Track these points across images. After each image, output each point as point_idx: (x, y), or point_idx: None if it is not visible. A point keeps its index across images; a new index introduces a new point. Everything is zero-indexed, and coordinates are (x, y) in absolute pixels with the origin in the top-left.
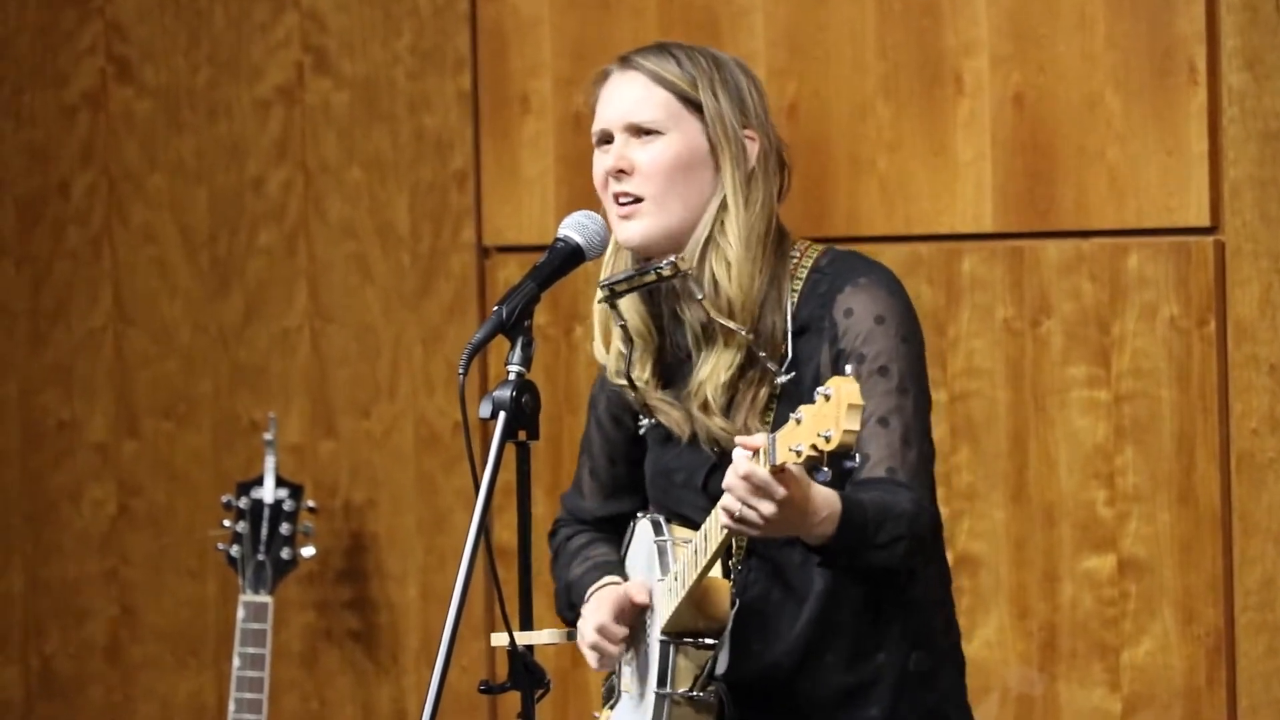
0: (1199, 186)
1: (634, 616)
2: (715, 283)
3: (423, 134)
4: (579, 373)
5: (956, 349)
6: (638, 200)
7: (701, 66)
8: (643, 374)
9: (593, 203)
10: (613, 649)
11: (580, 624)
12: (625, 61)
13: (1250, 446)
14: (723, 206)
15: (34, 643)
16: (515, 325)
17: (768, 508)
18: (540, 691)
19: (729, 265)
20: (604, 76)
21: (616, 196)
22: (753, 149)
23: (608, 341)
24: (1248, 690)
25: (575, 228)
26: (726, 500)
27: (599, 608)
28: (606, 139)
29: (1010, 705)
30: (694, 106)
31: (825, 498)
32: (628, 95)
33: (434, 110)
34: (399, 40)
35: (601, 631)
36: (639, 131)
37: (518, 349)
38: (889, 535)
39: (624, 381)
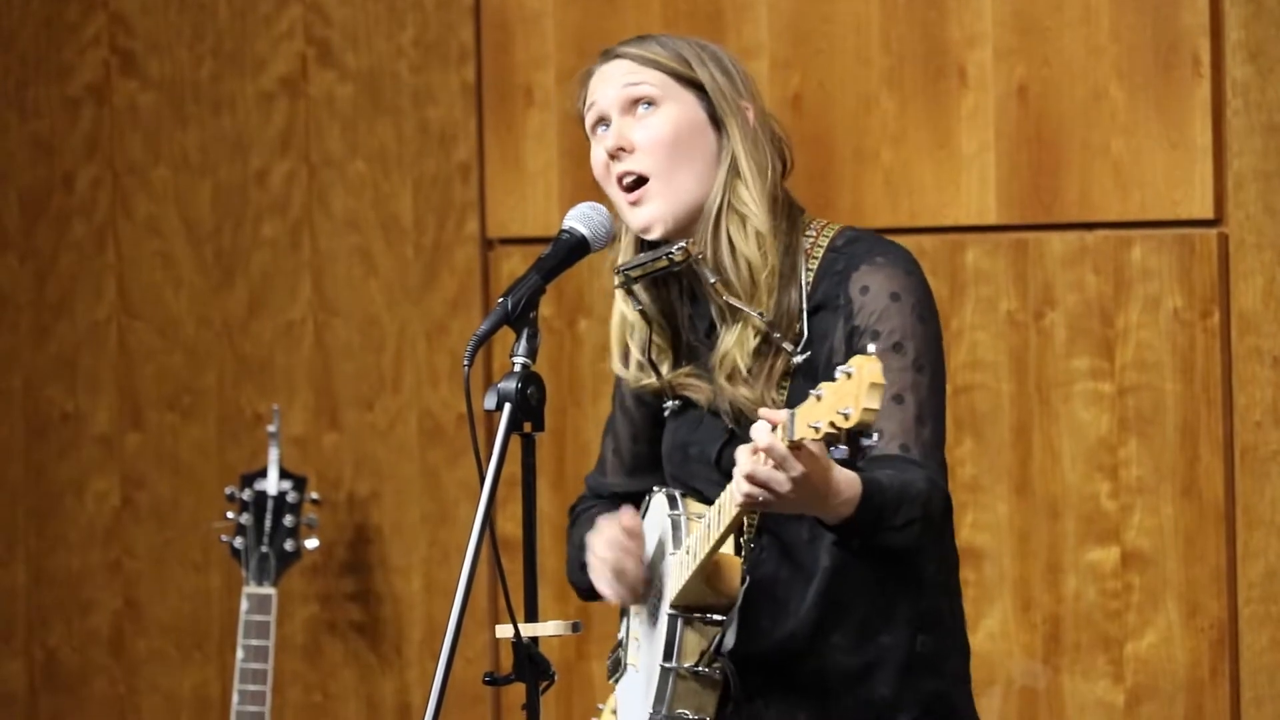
0: (1203, 179)
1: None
2: (733, 253)
3: (427, 127)
4: (584, 365)
5: (960, 341)
6: (642, 181)
7: (687, 47)
8: (661, 362)
9: (597, 194)
10: (624, 560)
11: (589, 556)
12: (608, 53)
13: (1254, 439)
14: (734, 173)
15: (38, 635)
16: (520, 317)
17: (784, 484)
18: (545, 683)
19: (752, 232)
20: (587, 74)
21: (620, 178)
22: (751, 116)
23: (625, 351)
24: (1251, 683)
25: (580, 219)
26: (743, 475)
27: (607, 524)
28: (602, 121)
29: (1014, 697)
30: (687, 82)
31: (846, 478)
32: (618, 74)
33: (438, 103)
34: (403, 33)
35: (611, 544)
36: (634, 106)
37: (523, 341)
38: (905, 517)
39: (651, 380)
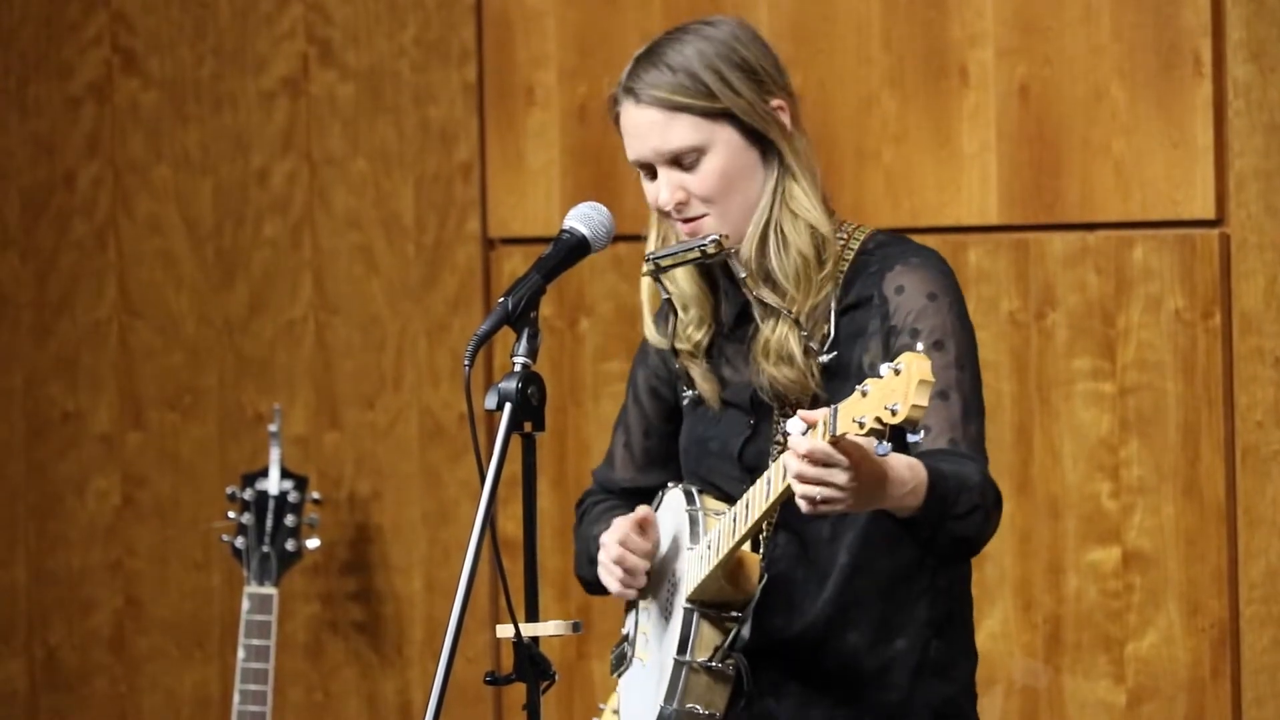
0: (1204, 179)
1: (652, 536)
2: (783, 251)
3: (428, 125)
4: (584, 365)
5: None
6: (702, 215)
7: (704, 69)
8: (696, 335)
9: (597, 194)
10: (639, 561)
11: (601, 553)
12: (630, 93)
13: (1255, 439)
14: (787, 176)
15: (39, 634)
16: (521, 317)
17: (841, 477)
18: (545, 683)
19: (806, 229)
20: (615, 101)
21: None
22: (785, 117)
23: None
24: (1252, 683)
25: (581, 219)
26: (802, 486)
27: (618, 526)
28: (645, 166)
29: (1015, 697)
30: (718, 114)
31: (910, 468)
32: (653, 129)
33: (439, 102)
34: (404, 32)
35: (625, 543)
36: (678, 160)
37: (523, 341)
38: (967, 505)
39: (678, 346)
